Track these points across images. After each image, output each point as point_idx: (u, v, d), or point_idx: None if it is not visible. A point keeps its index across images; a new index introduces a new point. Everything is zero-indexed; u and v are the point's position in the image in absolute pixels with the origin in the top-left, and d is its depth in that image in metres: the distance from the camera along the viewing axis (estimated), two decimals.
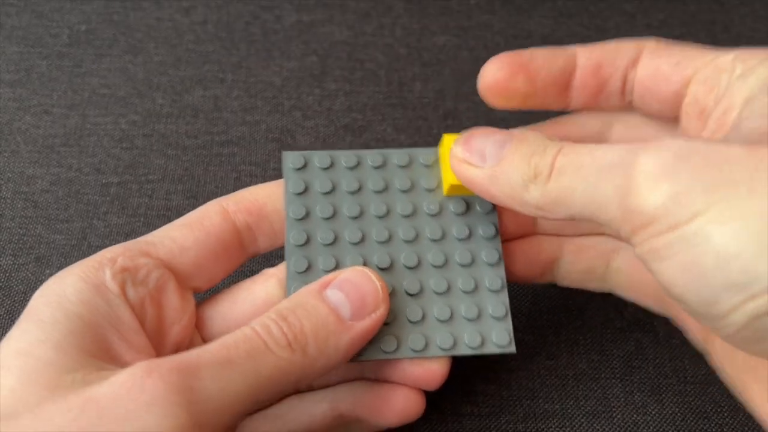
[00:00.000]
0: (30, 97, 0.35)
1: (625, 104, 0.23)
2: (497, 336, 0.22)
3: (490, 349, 0.22)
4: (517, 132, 0.20)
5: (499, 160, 0.20)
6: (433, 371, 0.22)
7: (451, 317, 0.22)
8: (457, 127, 0.35)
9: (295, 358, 0.19)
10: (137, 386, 0.16)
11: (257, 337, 0.19)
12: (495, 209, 0.24)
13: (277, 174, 0.33)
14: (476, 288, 0.23)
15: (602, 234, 0.25)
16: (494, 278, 0.23)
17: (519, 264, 0.25)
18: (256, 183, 0.32)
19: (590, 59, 0.22)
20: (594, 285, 0.26)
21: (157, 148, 0.33)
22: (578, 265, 0.25)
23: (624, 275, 0.24)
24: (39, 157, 0.33)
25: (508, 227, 0.25)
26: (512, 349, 0.22)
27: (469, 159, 0.21)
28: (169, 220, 0.31)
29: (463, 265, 0.23)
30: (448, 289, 0.23)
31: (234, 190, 0.32)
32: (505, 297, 0.23)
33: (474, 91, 0.37)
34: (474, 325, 0.22)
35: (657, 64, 0.22)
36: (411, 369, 0.22)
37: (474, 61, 0.37)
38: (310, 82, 0.36)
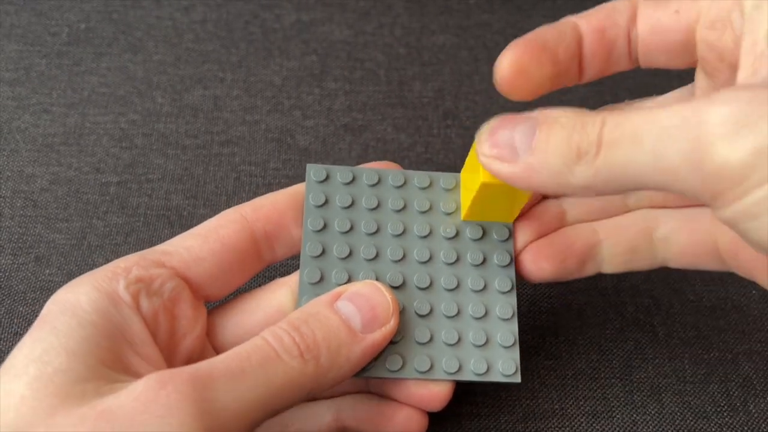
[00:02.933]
0: (29, 95, 0.35)
1: (634, 63, 0.22)
2: (503, 365, 0.22)
3: (495, 377, 0.22)
4: (542, 114, 0.18)
5: (532, 148, 0.18)
6: (435, 394, 0.22)
7: (459, 342, 0.22)
8: (457, 126, 0.35)
9: (308, 368, 0.19)
10: (152, 397, 0.16)
11: (269, 347, 0.18)
12: (511, 238, 0.24)
13: (277, 174, 0.33)
14: (486, 314, 0.23)
15: (632, 210, 0.24)
16: (505, 306, 0.23)
17: (554, 259, 0.23)
18: (256, 183, 0.33)
19: (591, 25, 0.21)
20: (644, 263, 0.24)
21: (157, 148, 0.33)
22: (620, 246, 0.24)
23: (673, 243, 0.23)
24: (38, 156, 0.33)
25: (533, 228, 0.24)
26: (517, 379, 0.22)
27: (498, 155, 0.19)
28: (169, 219, 0.31)
29: (475, 291, 0.23)
30: (458, 313, 0.23)
31: (234, 190, 0.32)
32: (514, 326, 0.23)
33: (474, 90, 0.37)
34: (481, 352, 0.22)
35: (655, 17, 0.20)
36: (415, 389, 0.22)
37: (473, 61, 0.37)
38: (310, 82, 0.36)
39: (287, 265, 0.30)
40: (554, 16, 0.40)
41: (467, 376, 0.22)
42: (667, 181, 0.16)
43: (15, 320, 0.28)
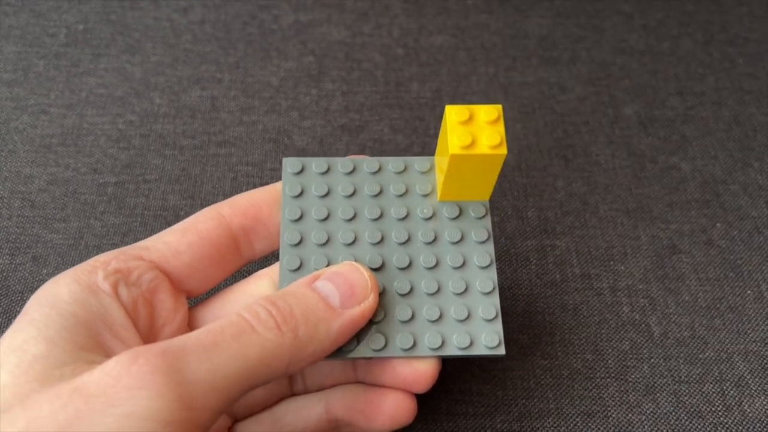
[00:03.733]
0: (27, 96, 0.35)
1: None
2: (487, 337, 0.22)
3: (479, 350, 0.22)
4: None
5: None
6: (421, 372, 0.22)
7: (441, 318, 0.22)
8: None
9: (285, 340, 0.19)
10: (124, 371, 0.16)
11: (243, 321, 0.19)
12: (488, 215, 0.24)
13: (274, 174, 0.33)
14: (467, 290, 0.23)
15: None
16: (485, 281, 0.23)
17: None
18: (253, 183, 0.33)
19: None
20: None
21: (155, 148, 0.33)
22: None
23: None
24: (36, 157, 0.33)
25: None
26: (501, 351, 0.22)
27: None
28: (166, 220, 0.31)
29: (454, 268, 0.23)
30: (439, 290, 0.23)
31: (231, 191, 0.32)
32: (496, 299, 0.23)
33: (471, 90, 0.37)
34: (463, 326, 0.22)
35: None
36: (400, 369, 0.22)
37: (471, 61, 0.38)
38: (308, 82, 0.36)
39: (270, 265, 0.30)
40: (552, 17, 0.40)
41: (451, 351, 0.22)
42: None
43: (12, 320, 0.28)
